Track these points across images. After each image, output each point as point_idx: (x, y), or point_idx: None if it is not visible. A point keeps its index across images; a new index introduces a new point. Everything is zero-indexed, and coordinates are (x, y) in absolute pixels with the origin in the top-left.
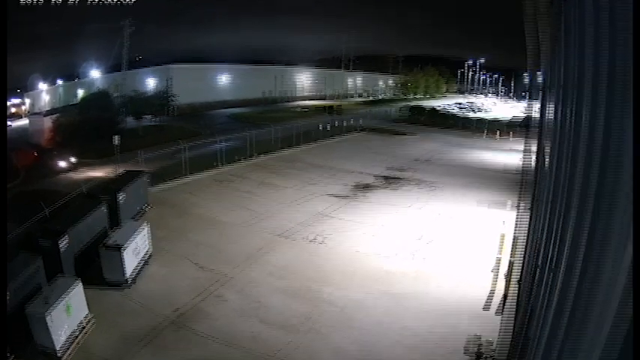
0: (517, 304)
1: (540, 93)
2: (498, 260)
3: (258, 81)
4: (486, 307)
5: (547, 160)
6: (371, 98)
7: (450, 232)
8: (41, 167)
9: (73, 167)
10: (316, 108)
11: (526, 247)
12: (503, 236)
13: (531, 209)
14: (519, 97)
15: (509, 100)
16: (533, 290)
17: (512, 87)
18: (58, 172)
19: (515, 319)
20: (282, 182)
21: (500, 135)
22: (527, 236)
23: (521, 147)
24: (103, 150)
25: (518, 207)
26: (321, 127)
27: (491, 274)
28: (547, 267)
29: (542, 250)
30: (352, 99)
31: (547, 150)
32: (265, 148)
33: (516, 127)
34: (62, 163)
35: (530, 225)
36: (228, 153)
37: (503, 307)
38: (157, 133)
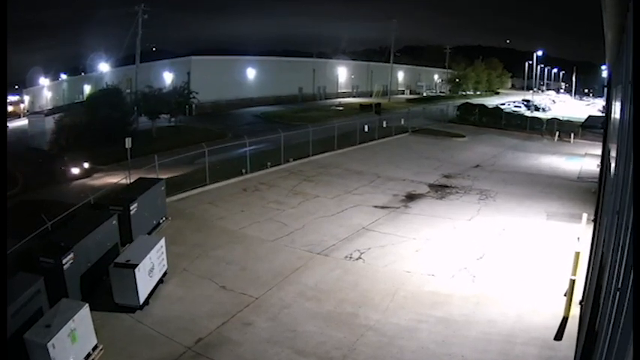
0: (579, 327)
1: (605, 90)
2: (572, 282)
3: (292, 75)
4: (558, 336)
5: (612, 165)
6: (424, 94)
7: (516, 250)
8: (44, 174)
9: (83, 174)
10: (360, 106)
11: (590, 263)
12: (577, 254)
13: (595, 221)
14: (596, 94)
15: (585, 98)
16: (599, 312)
17: (582, 83)
18: (67, 179)
19: (577, 344)
20: (318, 191)
21: (574, 137)
22: (591, 251)
23: (599, 151)
24: (112, 154)
25: (595, 221)
26: (366, 129)
27: (564, 299)
28: (613, 286)
29: (607, 266)
30: (402, 96)
31: (612, 154)
32: (299, 152)
33: (594, 129)
34: (70, 169)
35: (594, 238)
36: (256, 158)
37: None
38: (175, 135)
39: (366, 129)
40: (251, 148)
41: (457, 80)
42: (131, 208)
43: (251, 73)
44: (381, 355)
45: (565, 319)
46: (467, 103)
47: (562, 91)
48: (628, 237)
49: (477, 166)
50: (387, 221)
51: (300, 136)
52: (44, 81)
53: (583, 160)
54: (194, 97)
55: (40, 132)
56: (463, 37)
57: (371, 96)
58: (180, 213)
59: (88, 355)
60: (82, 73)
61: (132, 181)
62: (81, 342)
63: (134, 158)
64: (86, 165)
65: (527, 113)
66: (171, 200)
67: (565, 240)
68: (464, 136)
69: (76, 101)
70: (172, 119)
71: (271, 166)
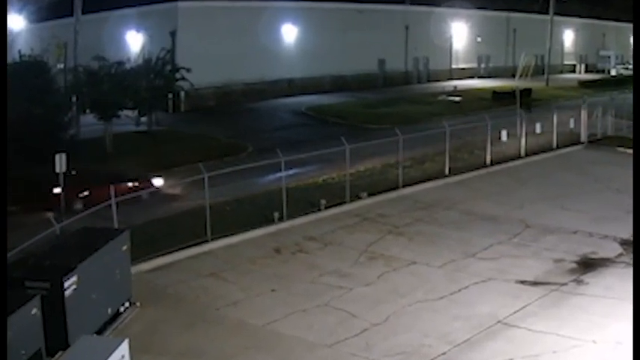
0: None
1: None
2: None
3: (366, 38)
4: None
5: None
6: (613, 72)
7: None
8: None
9: None
10: (494, 94)
11: None
12: None
13: None
14: None
15: None
16: None
17: None
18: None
19: None
20: (413, 254)
21: None
22: None
23: None
24: (31, 186)
25: None
26: (504, 137)
27: None
28: None
29: None
30: (570, 75)
31: None
32: (379, 181)
33: None
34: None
35: None
36: (300, 191)
37: None
38: (148, 149)
39: (504, 137)
40: (289, 173)
41: None
42: (66, 284)
43: (289, 33)
44: None
45: None
46: None
47: None
48: None
49: None
50: (542, 309)
51: (381, 150)
52: None
53: None
54: (183, 79)
55: None
56: None
57: (513, 76)
58: (157, 294)
59: None
60: None
61: (68, 233)
62: None
63: (73, 191)
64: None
65: None
66: (140, 270)
67: None
68: None
69: None
70: (143, 119)
71: (327, 207)
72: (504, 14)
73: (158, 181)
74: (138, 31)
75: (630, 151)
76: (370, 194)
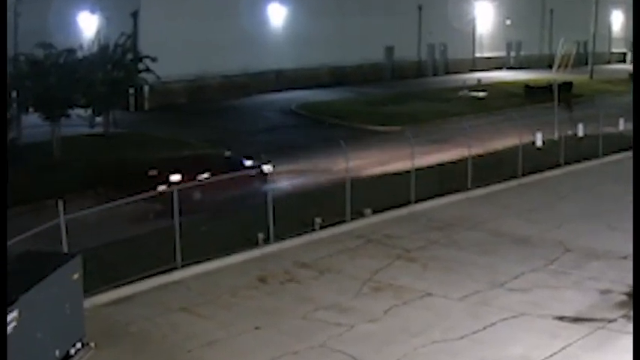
0: None
1: None
2: None
3: (370, 22)
4: None
5: None
6: None
7: None
8: None
9: None
10: (527, 88)
11: None
12: None
13: None
14: None
15: None
16: None
17: None
18: None
19: None
20: (428, 283)
21: None
22: None
23: None
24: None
25: None
26: (538, 141)
27: None
28: None
29: None
30: (619, 66)
31: None
32: (386, 195)
33: None
34: None
35: None
36: (290, 207)
37: None
38: (104, 155)
39: (539, 142)
40: (280, 185)
41: None
42: (6, 320)
43: (276, 15)
44: None
45: None
46: None
47: None
48: None
49: None
50: (585, 351)
51: (387, 156)
52: None
53: None
54: (147, 70)
55: None
56: None
57: (550, 67)
58: (116, 332)
59: None
60: None
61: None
62: None
63: (16, 206)
64: None
65: None
66: (96, 304)
67: None
68: None
69: None
70: (98, 119)
71: (323, 226)
72: None
73: (268, 168)
74: (92, 12)
75: None
76: (375, 211)
